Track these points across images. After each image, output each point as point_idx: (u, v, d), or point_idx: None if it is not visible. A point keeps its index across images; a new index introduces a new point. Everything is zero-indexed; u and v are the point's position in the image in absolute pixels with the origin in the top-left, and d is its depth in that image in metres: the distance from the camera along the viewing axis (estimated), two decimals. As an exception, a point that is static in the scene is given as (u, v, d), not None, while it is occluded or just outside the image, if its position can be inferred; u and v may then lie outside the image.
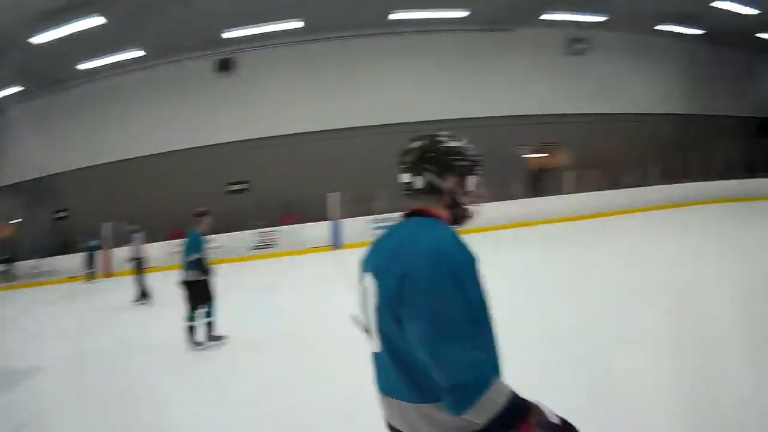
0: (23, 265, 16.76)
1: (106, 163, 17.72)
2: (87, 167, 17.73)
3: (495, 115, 18.22)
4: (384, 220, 15.15)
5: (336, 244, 15.24)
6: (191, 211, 6.27)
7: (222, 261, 13.46)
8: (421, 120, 16.64)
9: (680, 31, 20.06)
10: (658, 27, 19.61)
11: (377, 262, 1.62)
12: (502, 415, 1.40)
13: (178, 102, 17.38)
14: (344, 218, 15.55)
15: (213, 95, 17.35)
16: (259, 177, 17.22)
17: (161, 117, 17.42)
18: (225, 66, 17.37)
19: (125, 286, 10.62)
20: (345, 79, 17.69)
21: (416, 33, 17.87)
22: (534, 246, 12.39)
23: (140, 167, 17.36)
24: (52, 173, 18.00)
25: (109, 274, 15.16)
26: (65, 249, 16.95)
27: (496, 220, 15.20)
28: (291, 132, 17.38)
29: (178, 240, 14.48)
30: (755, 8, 17.35)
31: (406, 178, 1.67)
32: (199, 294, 6.16)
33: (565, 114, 18.98)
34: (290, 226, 15.71)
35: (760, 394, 3.44)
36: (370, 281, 1.61)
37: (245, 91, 17.40)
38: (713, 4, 17.02)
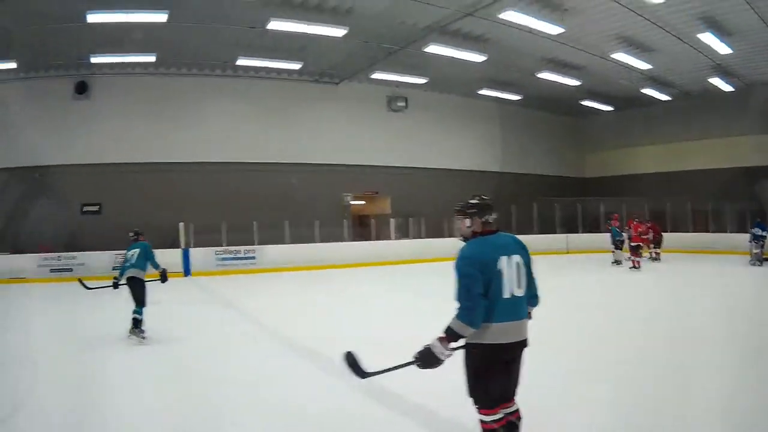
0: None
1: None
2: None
3: (323, 162, 21.43)
4: (226, 252, 17.82)
5: (186, 271, 17.41)
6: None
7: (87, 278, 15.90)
8: (259, 161, 19.87)
9: (501, 96, 24.30)
10: (480, 91, 23.52)
11: (514, 250, 3.40)
12: None
13: (38, 118, 18.65)
14: (193, 247, 17.73)
15: (69, 116, 18.88)
16: (110, 200, 18.87)
17: (21, 130, 18.57)
18: (82, 88, 18.86)
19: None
20: (191, 114, 19.77)
21: (259, 78, 20.60)
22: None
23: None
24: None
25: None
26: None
27: (327, 260, 18.56)
28: (139, 161, 19.14)
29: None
30: (577, 80, 21.42)
31: (492, 217, 3.49)
32: (143, 292, 8.12)
33: (388, 166, 22.49)
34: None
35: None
36: (516, 259, 3.37)
37: (99, 115, 19.01)
38: (538, 75, 20.78)
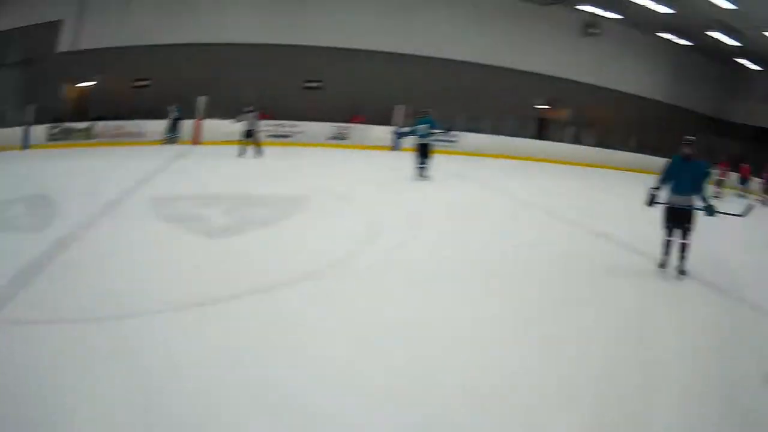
0: (107, 125, 20.91)
1: (192, 44, 22.32)
2: (172, 45, 22.25)
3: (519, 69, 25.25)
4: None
5: (395, 147, 20.92)
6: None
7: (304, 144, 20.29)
8: (468, 60, 24.08)
9: (672, 39, 27.53)
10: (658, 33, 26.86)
11: (694, 166, 7.19)
12: None
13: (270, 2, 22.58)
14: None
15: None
16: (331, 80, 22.91)
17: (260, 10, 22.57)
18: None
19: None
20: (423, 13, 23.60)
21: None
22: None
23: (223, 54, 22.32)
24: (139, 44, 22.27)
25: (197, 142, 20.24)
26: (149, 115, 21.23)
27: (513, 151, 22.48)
28: (366, 48, 22.96)
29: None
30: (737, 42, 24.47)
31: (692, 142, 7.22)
32: (427, 152, 13.54)
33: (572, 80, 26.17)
34: (359, 125, 21.82)
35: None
36: (691, 168, 7.14)
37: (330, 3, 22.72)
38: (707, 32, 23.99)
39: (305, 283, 5.93)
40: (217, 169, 14.43)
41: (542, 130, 26.22)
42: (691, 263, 7.37)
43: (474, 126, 22.80)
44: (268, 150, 17.50)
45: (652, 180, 7.73)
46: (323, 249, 7.27)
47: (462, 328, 5.01)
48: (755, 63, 28.37)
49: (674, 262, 7.43)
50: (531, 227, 10.04)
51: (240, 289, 5.51)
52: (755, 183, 21.86)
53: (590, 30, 26.08)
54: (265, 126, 20.53)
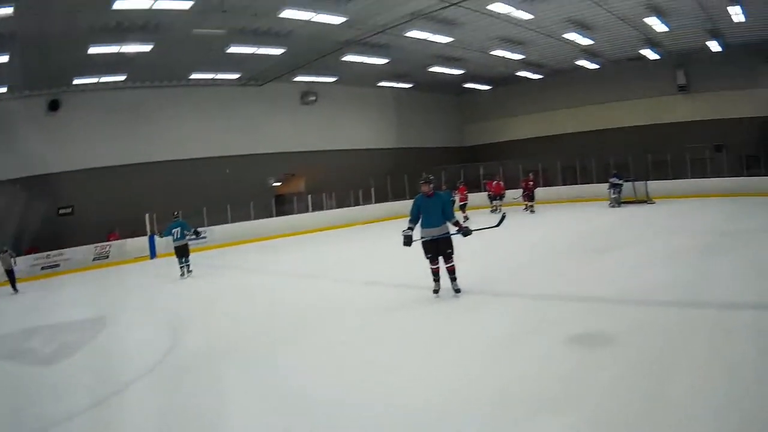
0: None
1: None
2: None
3: (250, 153, 28.75)
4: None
5: (152, 254, 23.71)
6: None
7: (74, 270, 21.90)
8: (203, 156, 27.04)
9: (396, 86, 32.36)
10: (379, 83, 31.39)
11: (437, 199, 8.92)
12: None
13: (11, 135, 22.94)
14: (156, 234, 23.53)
15: (43, 131, 23.30)
16: (82, 203, 24.31)
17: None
18: (54, 106, 23.86)
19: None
20: (148, 121, 26.02)
21: (202, 86, 27.46)
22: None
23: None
24: None
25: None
26: None
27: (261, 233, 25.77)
28: (108, 164, 24.84)
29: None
30: (461, 70, 29.16)
31: (429, 180, 8.93)
32: (186, 252, 16.00)
33: (301, 151, 30.08)
34: (116, 241, 23.42)
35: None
36: (434, 201, 8.87)
37: (70, 127, 24.07)
38: (429, 69, 28.38)
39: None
40: (11, 305, 15.77)
41: (280, 205, 29.18)
42: (461, 281, 9.15)
43: (219, 218, 25.41)
44: (48, 281, 19.59)
45: (402, 224, 9.40)
46: (133, 360, 7.99)
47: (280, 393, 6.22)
48: (483, 84, 33.68)
49: (447, 284, 9.01)
50: (302, 294, 11.75)
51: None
52: (511, 195, 25.86)
53: (308, 98, 30.18)
54: (36, 260, 21.97)
